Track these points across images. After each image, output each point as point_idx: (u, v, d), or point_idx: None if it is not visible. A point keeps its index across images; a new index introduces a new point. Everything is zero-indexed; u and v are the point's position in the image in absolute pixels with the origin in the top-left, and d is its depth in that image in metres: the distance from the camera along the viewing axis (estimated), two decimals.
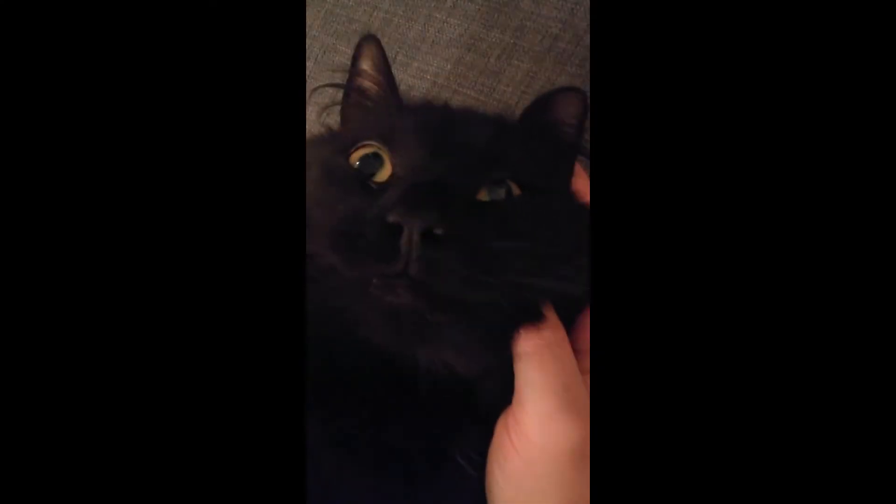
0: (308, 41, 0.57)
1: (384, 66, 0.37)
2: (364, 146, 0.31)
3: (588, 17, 0.48)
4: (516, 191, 0.31)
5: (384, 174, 0.31)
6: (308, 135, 0.38)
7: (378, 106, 0.37)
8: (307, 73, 0.57)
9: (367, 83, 0.38)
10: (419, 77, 0.53)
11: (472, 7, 0.52)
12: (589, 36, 0.47)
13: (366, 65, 0.38)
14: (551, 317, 0.30)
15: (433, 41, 0.53)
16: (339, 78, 0.39)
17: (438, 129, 0.31)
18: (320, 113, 0.41)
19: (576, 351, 0.31)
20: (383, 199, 0.28)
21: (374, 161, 0.31)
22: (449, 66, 0.52)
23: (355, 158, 0.31)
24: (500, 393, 0.30)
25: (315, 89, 0.40)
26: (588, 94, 0.35)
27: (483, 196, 0.30)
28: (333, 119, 0.40)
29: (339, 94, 0.39)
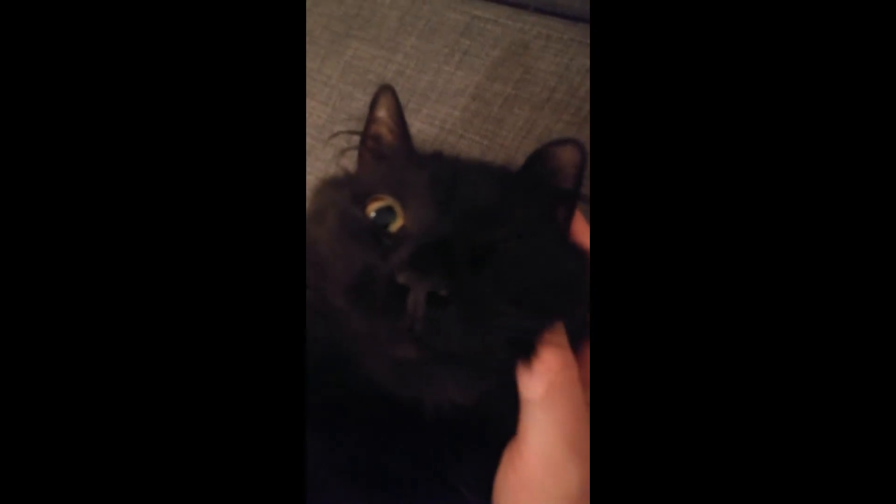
0: (328, 90, 0.61)
1: (398, 114, 0.39)
2: (379, 199, 0.33)
3: (581, 71, 0.51)
4: (518, 243, 0.32)
5: (397, 225, 0.32)
6: (325, 175, 0.40)
7: (392, 154, 0.39)
8: (325, 118, 0.60)
9: (382, 130, 0.39)
10: (429, 123, 0.55)
11: (477, 61, 0.55)
12: (583, 88, 0.51)
13: (381, 112, 0.39)
14: (566, 354, 0.30)
15: (442, 91, 0.56)
16: (356, 124, 0.41)
17: (448, 185, 0.32)
18: (337, 155, 0.43)
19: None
20: (393, 258, 0.29)
21: (388, 213, 0.33)
22: (456, 113, 0.55)
23: (371, 210, 0.33)
24: (502, 421, 0.31)
25: (334, 135, 0.42)
26: (585, 144, 0.36)
27: (487, 249, 0.31)
28: (348, 161, 0.42)
29: (355, 139, 0.41)
